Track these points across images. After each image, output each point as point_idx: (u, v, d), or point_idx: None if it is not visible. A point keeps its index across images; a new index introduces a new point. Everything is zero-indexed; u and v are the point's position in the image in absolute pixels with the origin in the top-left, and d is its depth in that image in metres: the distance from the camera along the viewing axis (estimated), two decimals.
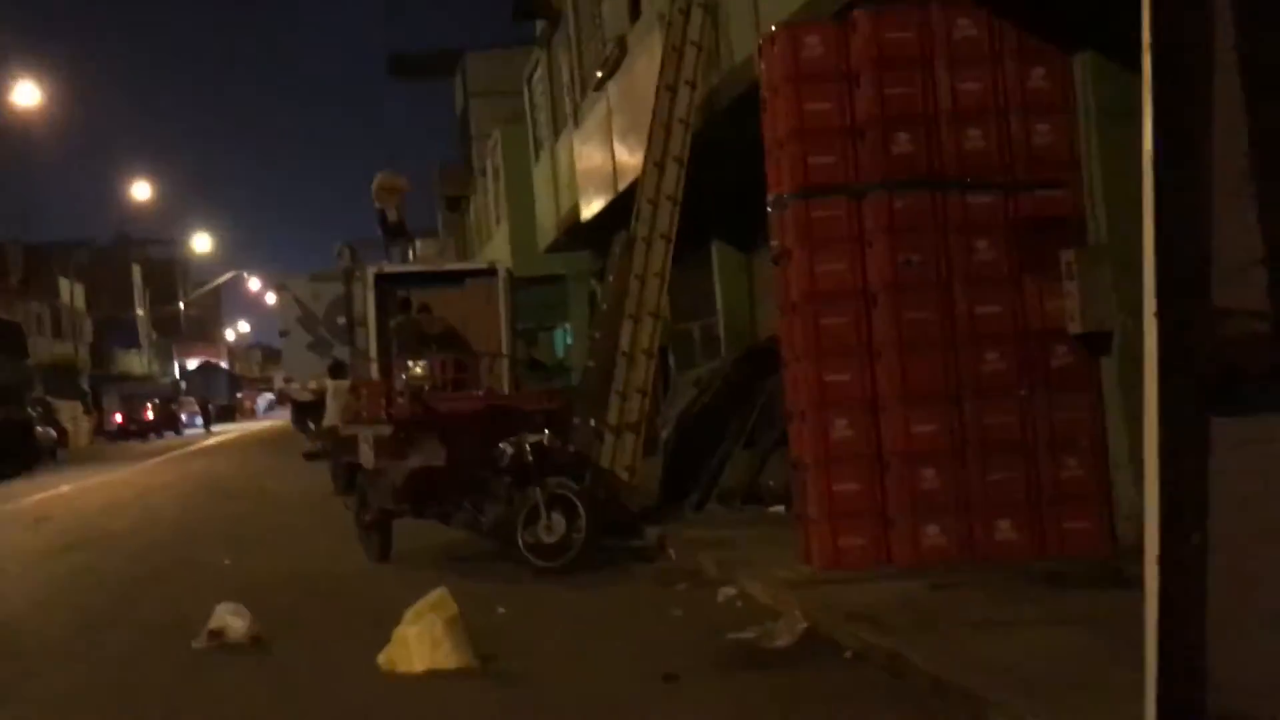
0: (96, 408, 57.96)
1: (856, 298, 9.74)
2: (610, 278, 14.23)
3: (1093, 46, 9.52)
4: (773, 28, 10.25)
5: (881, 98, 9.68)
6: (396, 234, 22.90)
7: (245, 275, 79.82)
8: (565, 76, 23.06)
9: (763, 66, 10.30)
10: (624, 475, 13.15)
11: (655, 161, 13.94)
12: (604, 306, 14.38)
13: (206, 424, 65.57)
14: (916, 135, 9.69)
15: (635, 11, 17.69)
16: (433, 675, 7.54)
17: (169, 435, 58.62)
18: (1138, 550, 4.12)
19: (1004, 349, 9.66)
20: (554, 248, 25.99)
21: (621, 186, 17.68)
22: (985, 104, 9.72)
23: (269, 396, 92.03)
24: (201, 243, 71.78)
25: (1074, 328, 9.54)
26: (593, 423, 13.26)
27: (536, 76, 26.84)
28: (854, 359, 9.68)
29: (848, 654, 7.39)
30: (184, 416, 64.51)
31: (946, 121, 9.72)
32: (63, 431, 43.74)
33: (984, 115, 9.72)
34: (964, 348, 9.64)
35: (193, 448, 44.74)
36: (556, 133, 24.49)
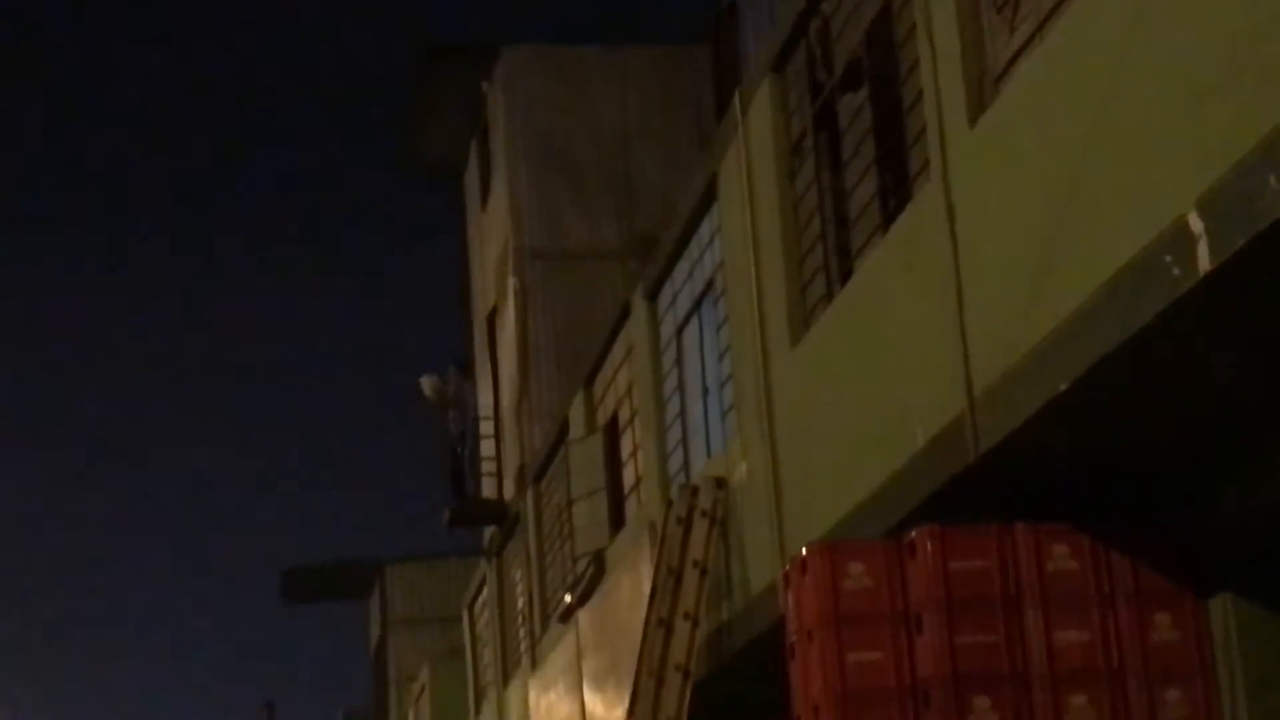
0: None
1: None
2: None
3: (1234, 587, 9.66)
4: (803, 549, 10.43)
5: (951, 649, 9.73)
6: None
7: None
8: (520, 601, 23.27)
9: (790, 600, 10.40)
10: None
11: None
12: None
13: None
14: (1001, 701, 9.66)
15: (618, 519, 18.06)
16: None
17: None
18: None
19: None
20: None
21: None
22: (1093, 662, 9.75)
23: None
24: None
25: None
26: None
27: (481, 600, 27.07)
28: None
29: None
30: None
31: (1041, 685, 9.71)
32: None
33: (1092, 677, 9.73)
34: None
35: None
36: (506, 676, 24.48)
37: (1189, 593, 9.87)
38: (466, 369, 27.46)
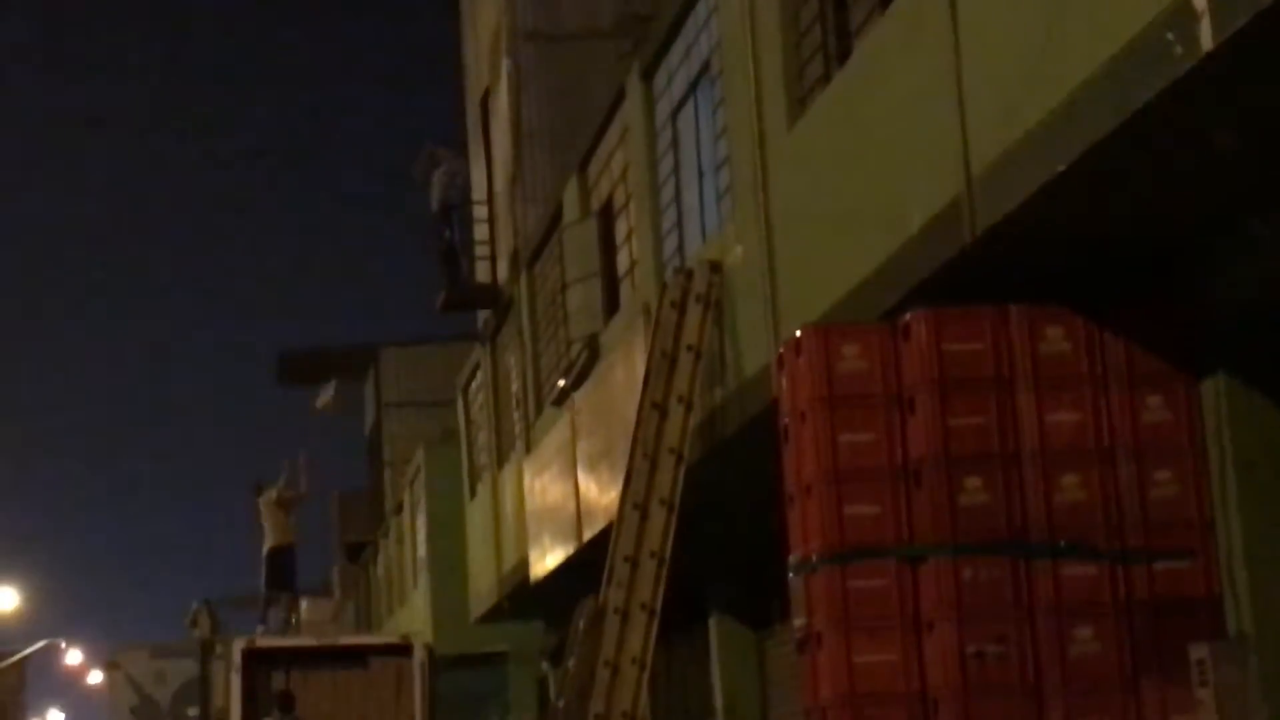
0: None
1: (912, 704, 9.64)
2: (570, 662, 14.11)
3: (1226, 368, 9.73)
4: (797, 331, 10.48)
5: (944, 429, 9.83)
6: (278, 584, 22.80)
7: (62, 645, 78.79)
8: (514, 385, 23.41)
9: (783, 382, 10.47)
10: None
11: (635, 504, 14.02)
12: (560, 703, 14.21)
13: None
14: (992, 481, 9.79)
15: (612, 303, 18.10)
16: None
17: None
18: None
19: None
20: (492, 616, 25.84)
21: (588, 535, 17.70)
22: (1083, 442, 9.87)
23: None
24: (3, 599, 70.99)
25: None
26: None
27: (475, 384, 27.23)
28: None
29: None
30: None
31: (1032, 464, 9.84)
32: None
33: (1083, 457, 9.85)
34: None
35: None
36: (501, 459, 24.71)
37: (1181, 374, 9.95)
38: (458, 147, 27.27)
